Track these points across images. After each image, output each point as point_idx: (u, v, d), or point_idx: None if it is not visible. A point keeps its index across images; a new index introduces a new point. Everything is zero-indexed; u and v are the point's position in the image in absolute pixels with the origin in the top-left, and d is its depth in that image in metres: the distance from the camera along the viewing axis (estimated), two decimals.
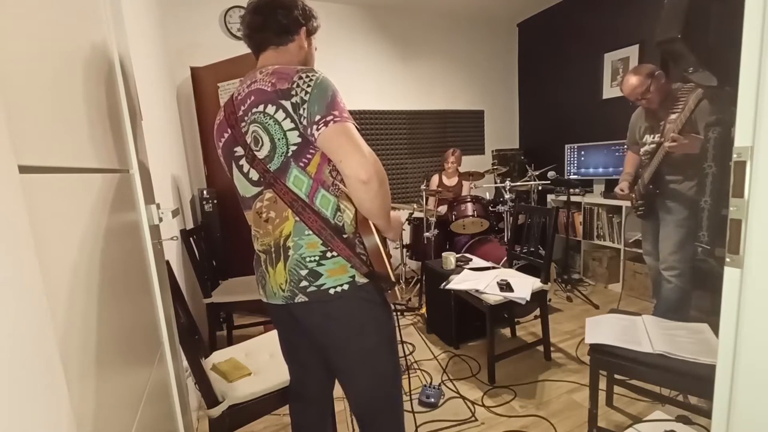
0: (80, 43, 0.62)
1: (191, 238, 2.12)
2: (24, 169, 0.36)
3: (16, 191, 0.35)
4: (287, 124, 0.86)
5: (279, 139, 0.87)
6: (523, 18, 4.16)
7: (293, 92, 0.84)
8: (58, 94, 0.51)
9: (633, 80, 1.93)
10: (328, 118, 0.83)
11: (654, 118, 2.01)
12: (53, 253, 0.43)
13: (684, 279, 1.95)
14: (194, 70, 2.87)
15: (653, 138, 1.99)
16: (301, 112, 0.84)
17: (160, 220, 0.97)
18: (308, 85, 0.84)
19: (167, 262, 1.16)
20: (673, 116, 1.85)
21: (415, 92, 3.91)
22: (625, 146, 2.28)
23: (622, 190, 2.14)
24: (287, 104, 0.85)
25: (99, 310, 0.54)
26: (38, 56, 0.46)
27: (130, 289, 0.72)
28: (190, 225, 2.49)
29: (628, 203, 2.41)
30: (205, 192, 2.66)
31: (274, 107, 0.85)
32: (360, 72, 3.64)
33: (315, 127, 0.84)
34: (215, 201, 2.67)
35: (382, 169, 0.87)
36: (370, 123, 3.71)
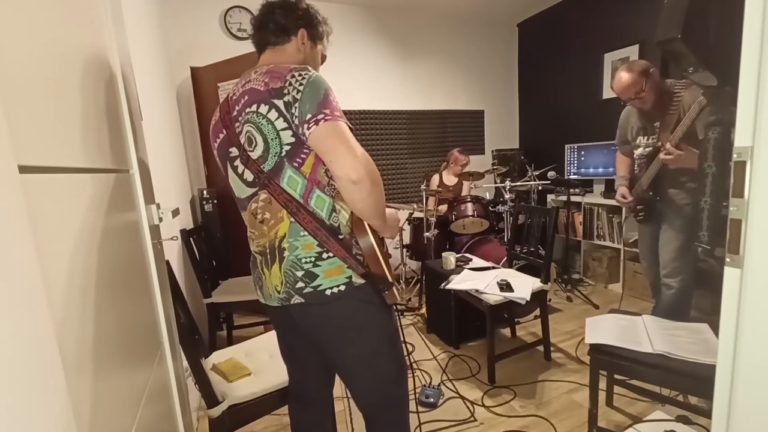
0: (80, 44, 0.62)
1: (191, 238, 2.12)
2: (24, 169, 0.36)
3: (16, 191, 0.35)
4: (280, 124, 0.85)
5: (272, 139, 0.86)
6: (523, 18, 4.16)
7: (285, 91, 0.83)
8: (58, 95, 0.51)
9: (626, 78, 1.77)
10: (319, 117, 0.82)
11: (647, 118, 1.88)
12: (53, 253, 0.43)
13: (685, 284, 1.88)
14: (194, 70, 2.86)
15: (647, 140, 1.88)
16: (293, 110, 0.83)
17: (160, 220, 0.96)
18: (300, 84, 0.83)
19: (167, 262, 1.16)
20: (668, 117, 1.74)
21: (415, 92, 3.91)
22: (616, 147, 2.15)
23: (623, 197, 2.02)
24: (280, 103, 0.84)
25: (99, 310, 0.54)
26: (39, 56, 0.46)
27: (130, 289, 0.72)
28: (190, 225, 2.49)
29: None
30: (205, 192, 2.66)
31: (267, 107, 0.84)
32: (360, 72, 3.63)
33: (306, 125, 0.83)
34: (215, 201, 2.67)
35: (374, 170, 0.86)
36: (370, 123, 3.70)
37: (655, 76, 1.77)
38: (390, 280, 0.95)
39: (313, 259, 0.90)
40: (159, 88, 2.11)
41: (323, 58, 1.09)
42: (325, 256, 0.90)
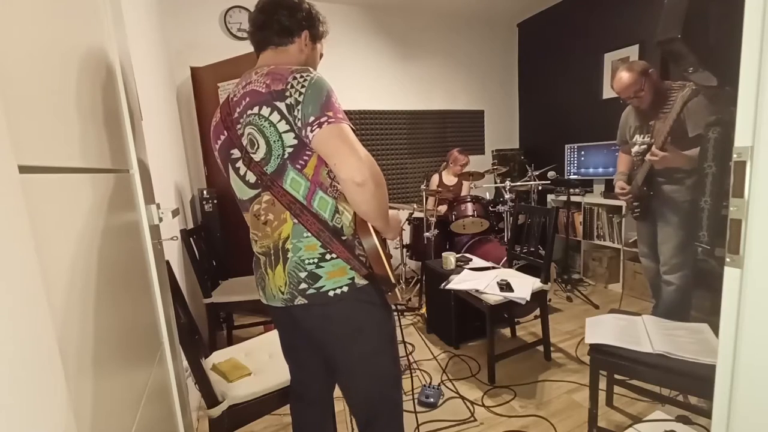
0: (80, 44, 0.62)
1: (191, 238, 2.12)
2: (24, 169, 0.36)
3: (16, 191, 0.35)
4: (282, 126, 0.85)
5: (275, 141, 0.86)
6: (523, 18, 4.16)
7: (287, 93, 0.83)
8: (59, 95, 0.51)
9: (626, 78, 1.86)
10: (323, 119, 0.82)
11: (644, 117, 1.96)
12: (53, 253, 0.43)
13: (686, 281, 1.92)
14: (194, 70, 2.87)
15: (643, 138, 1.95)
16: (295, 113, 0.83)
17: (160, 220, 0.97)
18: (302, 86, 0.83)
19: (167, 262, 1.16)
20: (663, 115, 1.81)
21: (415, 92, 3.91)
22: (618, 146, 2.21)
23: (622, 189, 2.06)
24: (282, 105, 0.83)
25: (99, 310, 0.54)
26: (39, 57, 0.46)
27: (130, 289, 0.72)
28: (190, 225, 2.49)
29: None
30: (205, 192, 2.66)
31: (269, 109, 0.84)
32: (360, 72, 3.63)
33: (309, 128, 0.82)
34: (215, 201, 2.67)
35: (378, 171, 0.86)
36: (370, 123, 3.70)
37: (653, 77, 1.85)
38: (393, 281, 0.95)
39: (316, 261, 0.90)
40: (159, 88, 2.11)
41: (320, 55, 1.09)
42: (328, 257, 0.90)
